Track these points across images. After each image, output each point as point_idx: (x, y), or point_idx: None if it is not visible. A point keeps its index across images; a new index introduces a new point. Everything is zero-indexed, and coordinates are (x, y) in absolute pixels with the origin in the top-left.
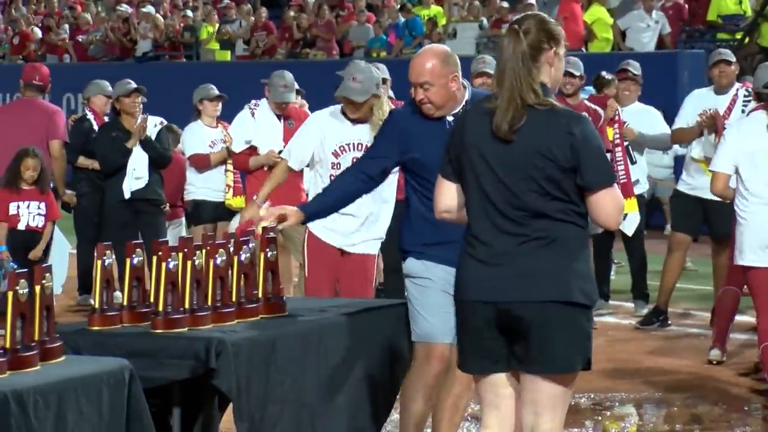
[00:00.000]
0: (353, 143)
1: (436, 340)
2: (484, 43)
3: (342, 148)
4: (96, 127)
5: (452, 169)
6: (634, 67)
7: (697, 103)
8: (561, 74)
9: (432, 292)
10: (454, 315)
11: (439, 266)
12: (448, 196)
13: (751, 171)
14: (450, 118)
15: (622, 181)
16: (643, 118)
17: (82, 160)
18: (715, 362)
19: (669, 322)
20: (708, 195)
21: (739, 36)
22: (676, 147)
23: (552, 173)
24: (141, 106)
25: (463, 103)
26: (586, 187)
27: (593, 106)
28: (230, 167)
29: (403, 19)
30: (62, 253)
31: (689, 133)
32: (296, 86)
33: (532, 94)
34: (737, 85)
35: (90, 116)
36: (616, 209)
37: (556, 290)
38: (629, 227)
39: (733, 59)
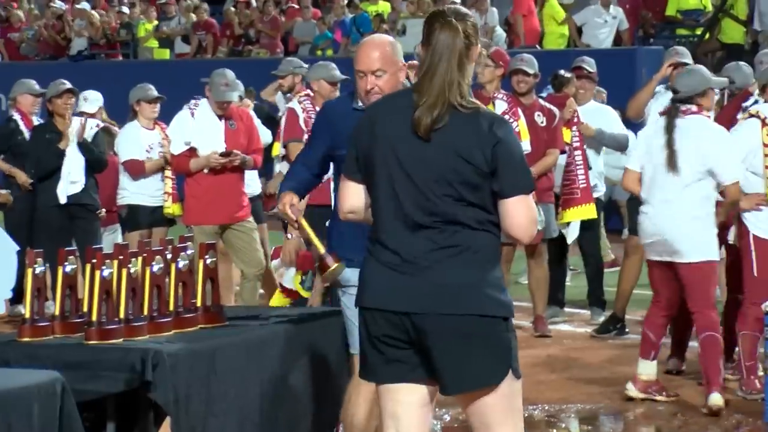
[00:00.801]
0: None
1: None
2: None
3: None
4: (23, 128)
5: (358, 168)
6: (589, 65)
7: (656, 102)
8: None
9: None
10: (358, 322)
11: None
12: (353, 196)
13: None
14: None
15: (581, 186)
16: (598, 117)
17: (0, 164)
18: (674, 371)
19: (626, 329)
20: None
21: (699, 32)
22: None
23: (470, 178)
24: (73, 107)
25: None
26: (501, 194)
27: (548, 105)
28: (168, 173)
29: (350, 16)
30: (6, 258)
31: None
32: (241, 85)
33: (459, 95)
34: None
35: (16, 116)
36: (529, 220)
37: (471, 303)
38: (571, 235)
39: (689, 60)
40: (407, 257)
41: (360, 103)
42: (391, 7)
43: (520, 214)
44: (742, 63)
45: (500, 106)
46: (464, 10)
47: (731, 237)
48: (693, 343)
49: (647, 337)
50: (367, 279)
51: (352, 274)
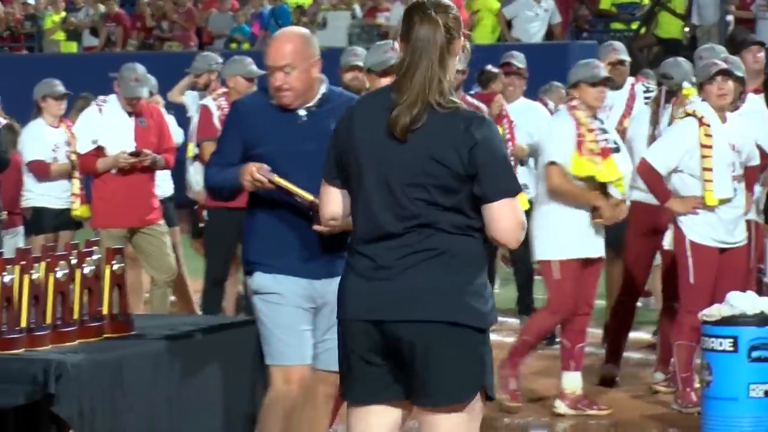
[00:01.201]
0: None
1: (294, 362)
2: (357, 34)
3: None
4: None
5: (337, 172)
6: (519, 60)
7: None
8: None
9: (285, 309)
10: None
11: (290, 279)
12: (334, 202)
13: None
14: (302, 112)
15: None
16: (528, 115)
17: None
18: (608, 380)
19: (557, 339)
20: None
21: (634, 26)
22: None
23: (445, 181)
24: None
25: (319, 96)
26: (484, 198)
27: (475, 102)
28: (75, 173)
29: (269, 7)
30: None
31: None
32: (152, 80)
33: (439, 94)
34: (631, 80)
35: None
36: (516, 224)
37: (443, 310)
38: None
39: (627, 57)
40: (382, 263)
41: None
42: None
43: (506, 218)
44: (680, 59)
45: None
46: (445, 1)
47: (666, 242)
48: (628, 354)
49: (563, 345)
50: (344, 290)
51: (269, 280)
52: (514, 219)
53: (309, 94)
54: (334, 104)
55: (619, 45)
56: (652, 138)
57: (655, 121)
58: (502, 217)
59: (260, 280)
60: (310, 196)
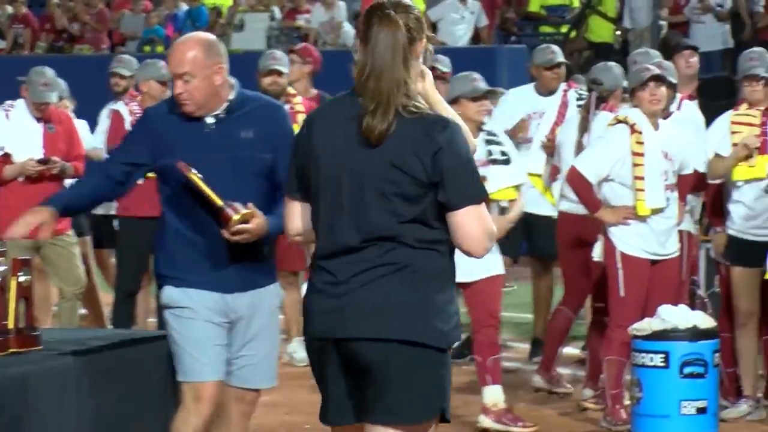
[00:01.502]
0: None
1: (205, 379)
2: (276, 36)
3: None
4: None
5: (297, 186)
6: (443, 64)
7: (519, 103)
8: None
9: (196, 324)
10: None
11: (201, 293)
12: (297, 217)
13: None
14: (210, 120)
15: None
16: None
17: None
18: (535, 390)
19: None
20: (531, 208)
21: (564, 29)
22: None
23: (407, 190)
24: None
25: (226, 103)
26: (448, 205)
27: None
28: None
29: (185, 8)
30: None
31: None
32: (62, 84)
33: (406, 97)
34: (563, 85)
35: None
36: (482, 231)
37: (401, 328)
38: None
39: (563, 60)
40: (341, 278)
41: None
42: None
43: (472, 226)
44: (611, 63)
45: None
46: (406, 1)
47: (596, 254)
48: (561, 370)
49: (476, 361)
50: (306, 306)
51: (179, 294)
52: (481, 226)
53: (214, 102)
54: (247, 109)
55: (556, 48)
56: (580, 145)
57: (584, 128)
58: (468, 225)
59: (170, 293)
60: (220, 202)
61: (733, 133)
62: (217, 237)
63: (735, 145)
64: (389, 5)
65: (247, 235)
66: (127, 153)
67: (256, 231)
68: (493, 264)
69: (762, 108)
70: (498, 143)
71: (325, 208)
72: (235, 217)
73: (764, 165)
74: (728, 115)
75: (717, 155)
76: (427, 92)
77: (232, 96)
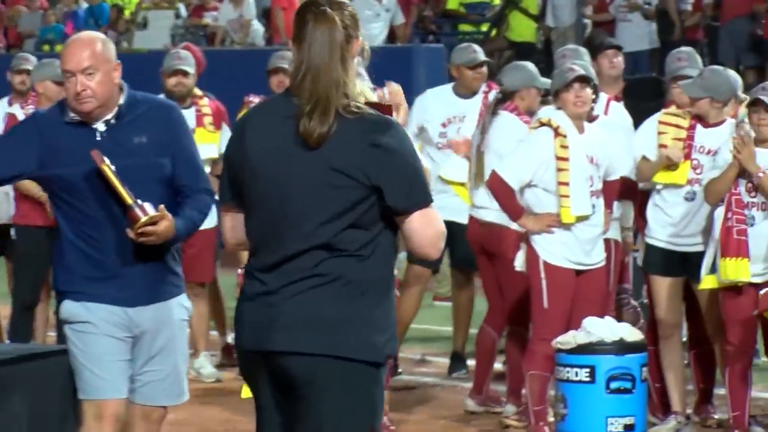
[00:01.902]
0: None
1: (107, 397)
2: (181, 35)
3: None
4: None
5: (231, 194)
6: (359, 64)
7: (438, 105)
8: None
9: (97, 339)
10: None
11: (102, 307)
12: (235, 228)
13: None
14: (101, 128)
15: None
16: None
17: None
18: (469, 412)
19: (400, 369)
20: (453, 217)
21: (485, 28)
22: None
23: (349, 194)
24: None
25: (116, 108)
26: (395, 209)
27: None
28: None
29: (85, 6)
30: None
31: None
32: None
33: (345, 97)
34: (483, 87)
35: None
36: (435, 235)
37: (330, 342)
38: None
39: (485, 58)
40: (273, 287)
41: (72, 114)
42: None
43: (425, 230)
44: (524, 63)
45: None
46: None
47: (518, 263)
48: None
49: None
50: (237, 316)
51: (79, 309)
52: (432, 229)
53: (110, 104)
54: (139, 113)
55: (477, 47)
56: (479, 149)
57: (483, 130)
58: (419, 229)
59: (70, 308)
60: (130, 200)
61: (660, 133)
62: (116, 248)
63: (662, 146)
64: (324, 2)
65: (153, 237)
66: (10, 160)
67: (163, 234)
68: None
69: (691, 110)
70: None
71: (260, 215)
72: (143, 218)
73: (685, 171)
74: (656, 117)
75: (644, 158)
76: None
77: (122, 100)
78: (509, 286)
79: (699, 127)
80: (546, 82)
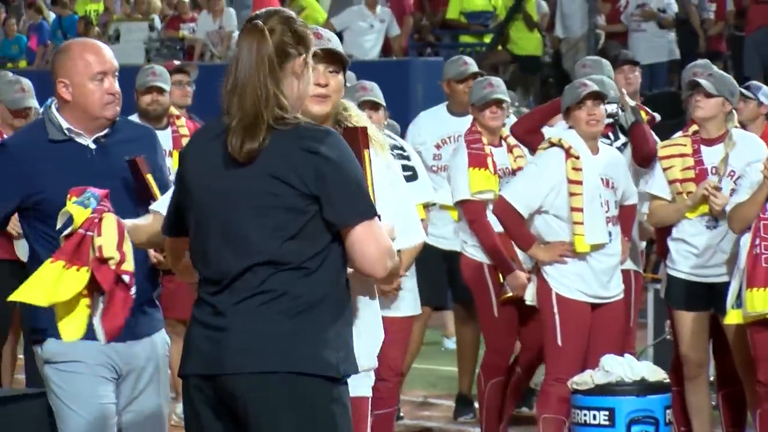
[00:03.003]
0: None
1: None
2: (156, 49)
3: None
4: None
5: (174, 221)
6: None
7: (431, 126)
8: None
9: (83, 379)
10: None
11: (89, 344)
12: (178, 256)
13: None
14: (92, 145)
15: None
16: None
17: None
18: None
19: (401, 413)
20: (452, 246)
21: (488, 39)
22: None
23: (289, 203)
24: None
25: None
26: (336, 222)
27: None
28: None
29: (53, 16)
30: None
31: None
32: None
33: (278, 108)
34: None
35: None
36: (377, 250)
37: (278, 358)
38: None
39: (477, 69)
40: (221, 309)
41: (61, 131)
42: (104, 8)
43: (367, 244)
44: (493, 79)
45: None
46: (286, 12)
47: (528, 296)
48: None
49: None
50: (186, 343)
51: (64, 347)
52: (375, 244)
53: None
54: (125, 135)
55: (469, 58)
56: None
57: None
58: (364, 243)
59: (53, 348)
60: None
61: (666, 169)
62: None
63: (673, 182)
64: (262, 15)
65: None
66: None
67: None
68: (402, 302)
69: (689, 134)
70: (403, 157)
71: (202, 238)
72: None
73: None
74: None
75: (656, 198)
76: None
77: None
78: (481, 321)
79: (703, 147)
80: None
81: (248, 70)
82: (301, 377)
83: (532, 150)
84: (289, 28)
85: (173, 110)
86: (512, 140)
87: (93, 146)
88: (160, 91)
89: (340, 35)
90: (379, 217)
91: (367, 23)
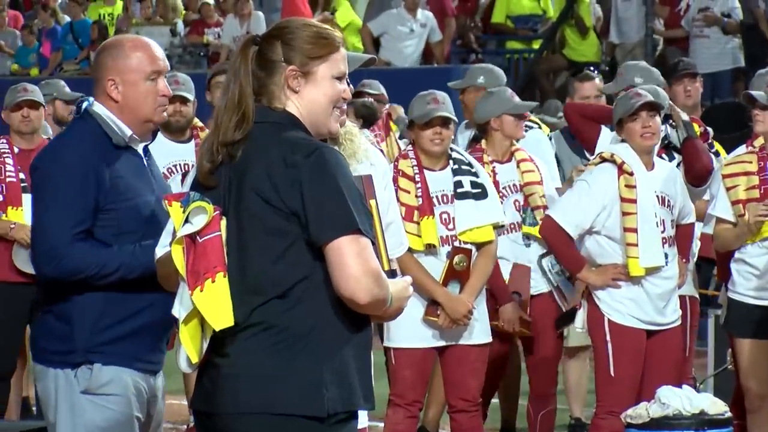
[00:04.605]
0: None
1: None
2: (179, 56)
3: None
4: None
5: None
6: (374, 88)
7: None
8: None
9: (120, 420)
10: None
11: (127, 372)
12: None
13: None
14: (140, 150)
15: None
16: None
17: None
18: None
19: None
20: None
21: (537, 45)
22: None
23: (272, 222)
24: None
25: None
26: (315, 239)
27: None
28: None
29: (68, 20)
30: None
31: None
32: None
33: (260, 120)
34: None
35: None
36: (359, 270)
37: (266, 398)
38: None
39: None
40: (216, 344)
41: (124, 135)
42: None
43: (347, 262)
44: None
45: None
46: (285, 24)
47: (579, 322)
48: None
49: None
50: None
51: (108, 374)
52: (357, 263)
53: None
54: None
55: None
56: None
57: None
58: (342, 261)
59: (102, 375)
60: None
61: (729, 189)
62: (157, 299)
63: (735, 203)
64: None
65: None
66: (83, 222)
67: None
68: (474, 329)
69: (755, 149)
70: (470, 173)
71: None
72: None
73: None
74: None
75: (721, 220)
76: None
77: None
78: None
79: None
80: (527, 105)
81: (233, 85)
82: (287, 417)
83: (581, 140)
84: (285, 39)
85: (197, 121)
86: (521, 154)
87: (141, 154)
88: (184, 101)
89: (377, 40)
90: (370, 237)
91: (407, 27)
